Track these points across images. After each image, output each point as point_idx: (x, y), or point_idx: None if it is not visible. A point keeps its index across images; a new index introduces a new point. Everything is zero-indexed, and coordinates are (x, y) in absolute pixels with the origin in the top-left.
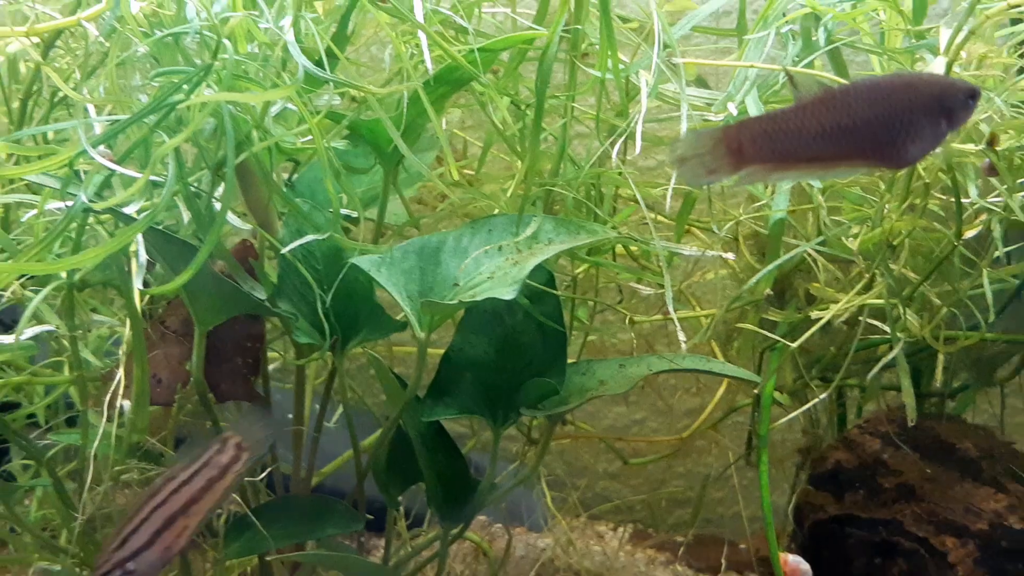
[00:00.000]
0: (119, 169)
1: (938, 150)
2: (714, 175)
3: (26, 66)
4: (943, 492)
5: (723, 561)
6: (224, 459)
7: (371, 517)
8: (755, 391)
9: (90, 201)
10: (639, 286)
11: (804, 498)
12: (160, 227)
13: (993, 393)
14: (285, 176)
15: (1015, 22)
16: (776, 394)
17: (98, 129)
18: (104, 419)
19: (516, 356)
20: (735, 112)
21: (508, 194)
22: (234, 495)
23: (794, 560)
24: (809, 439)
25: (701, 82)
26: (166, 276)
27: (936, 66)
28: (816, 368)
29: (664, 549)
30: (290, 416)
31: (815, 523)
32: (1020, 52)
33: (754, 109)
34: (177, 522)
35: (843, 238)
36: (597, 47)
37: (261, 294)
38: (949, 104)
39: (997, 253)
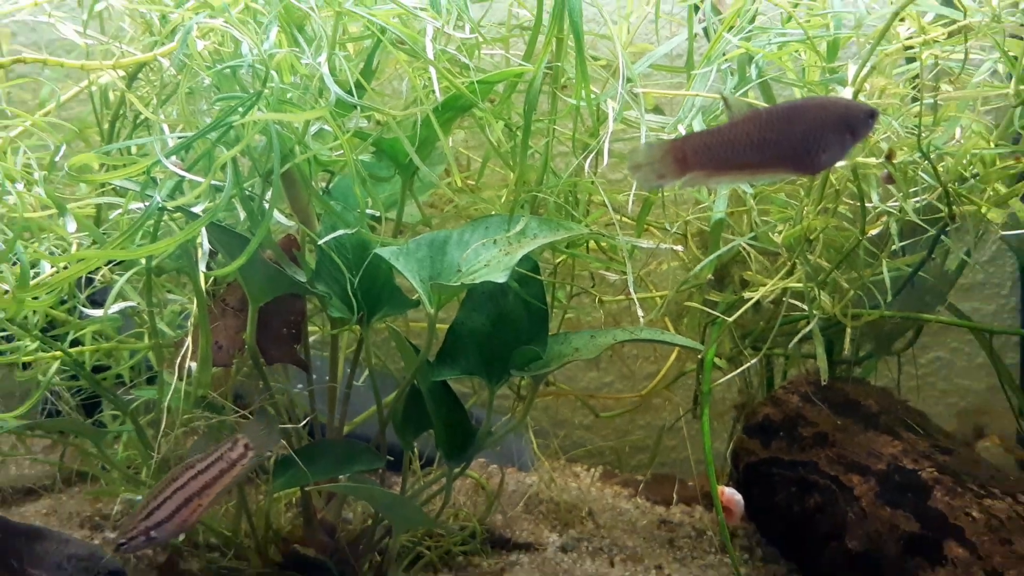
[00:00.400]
0: (187, 176)
1: (844, 161)
2: (663, 180)
3: (114, 94)
4: (850, 439)
5: (675, 495)
6: (234, 455)
7: (391, 459)
8: (699, 357)
9: (164, 201)
10: (607, 273)
11: (739, 445)
12: (220, 223)
13: (892, 361)
14: (323, 184)
15: (910, 60)
16: (716, 360)
17: (171, 144)
18: (176, 378)
19: (507, 329)
20: (682, 130)
21: (502, 199)
22: (282, 440)
23: (729, 492)
24: (744, 397)
25: (658, 109)
26: (225, 262)
27: (845, 95)
28: (748, 339)
29: (627, 486)
30: (327, 377)
31: (748, 465)
32: (913, 84)
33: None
34: (192, 502)
35: (770, 234)
36: (574, 80)
37: (302, 277)
38: (853, 122)
39: (894, 247)
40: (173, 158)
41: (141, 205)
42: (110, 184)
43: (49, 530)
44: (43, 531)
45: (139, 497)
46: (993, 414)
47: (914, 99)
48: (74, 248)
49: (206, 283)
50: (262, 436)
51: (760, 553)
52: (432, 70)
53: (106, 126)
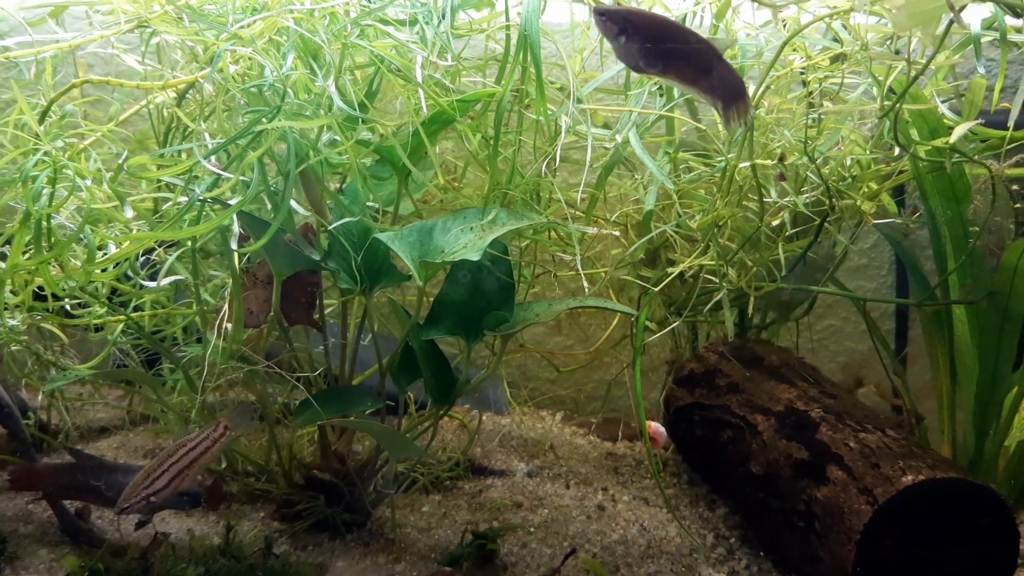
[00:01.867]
0: (222, 173)
1: (747, 163)
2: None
3: (167, 111)
4: (756, 387)
5: (620, 434)
6: (216, 435)
7: (391, 403)
8: (634, 320)
9: (203, 194)
10: (562, 255)
11: (670, 393)
12: (249, 212)
13: (793, 327)
14: (338, 184)
15: (804, 83)
16: (648, 323)
17: (197, 151)
18: (215, 337)
19: (482, 298)
20: (620, 141)
21: (480, 196)
22: (300, 387)
23: (655, 425)
24: (673, 355)
25: (607, 126)
26: (249, 244)
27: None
28: (674, 307)
29: (583, 427)
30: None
31: (676, 408)
32: (809, 102)
33: (636, 144)
34: (183, 472)
35: (689, 222)
36: (535, 100)
37: (317, 256)
38: None
39: (788, 232)
40: (212, 159)
41: (187, 198)
42: (161, 180)
43: (127, 463)
44: (121, 464)
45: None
46: (871, 368)
47: (805, 114)
48: (134, 232)
49: (239, 261)
50: (239, 419)
51: (686, 478)
52: (421, 92)
53: (161, 136)
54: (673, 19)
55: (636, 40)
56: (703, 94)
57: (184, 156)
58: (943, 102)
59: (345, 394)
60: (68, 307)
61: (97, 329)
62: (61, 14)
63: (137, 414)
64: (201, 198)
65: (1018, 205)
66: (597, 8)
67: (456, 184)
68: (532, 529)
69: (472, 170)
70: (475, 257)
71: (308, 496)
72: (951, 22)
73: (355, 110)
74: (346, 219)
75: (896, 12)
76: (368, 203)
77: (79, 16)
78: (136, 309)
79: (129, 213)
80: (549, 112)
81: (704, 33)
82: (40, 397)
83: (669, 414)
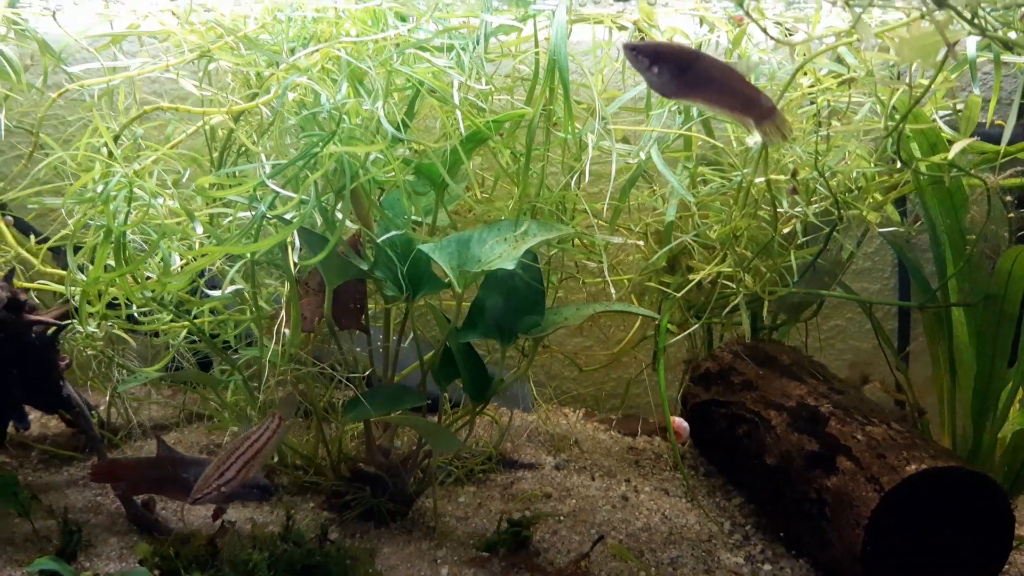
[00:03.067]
0: (282, 192)
1: (762, 178)
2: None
3: (221, 132)
4: (769, 384)
5: (639, 429)
6: (273, 426)
7: (429, 401)
8: (655, 324)
9: (267, 211)
10: (588, 262)
11: (687, 390)
12: (305, 227)
13: (802, 328)
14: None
15: (811, 102)
16: (669, 326)
17: (267, 169)
18: (273, 341)
19: (515, 303)
20: (643, 157)
21: (510, 208)
22: (351, 386)
23: (678, 420)
24: (690, 355)
25: (626, 140)
26: (307, 256)
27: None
28: (693, 310)
29: (604, 423)
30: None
31: (693, 405)
32: (816, 120)
33: (657, 159)
34: (249, 463)
35: (708, 232)
36: (562, 119)
37: (364, 266)
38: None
39: (799, 241)
40: (272, 178)
41: (247, 214)
42: (221, 199)
43: (198, 457)
44: (193, 458)
45: (244, 429)
46: (876, 366)
47: (814, 131)
48: (196, 246)
49: (295, 270)
50: (287, 409)
51: (703, 470)
52: (458, 112)
53: (215, 156)
54: (697, 48)
55: (666, 70)
56: (735, 115)
57: (245, 176)
58: (942, 118)
59: (390, 392)
60: (136, 314)
61: (155, 335)
62: (120, 42)
63: (192, 412)
64: (264, 214)
65: (1012, 215)
66: (627, 44)
67: (488, 197)
68: (561, 518)
69: (502, 184)
70: (510, 266)
71: (355, 487)
72: (947, 54)
73: (399, 131)
74: (391, 232)
75: (898, 44)
76: (409, 216)
77: (131, 41)
78: (194, 316)
79: (199, 229)
80: (576, 130)
81: (720, 58)
82: (108, 396)
83: (686, 410)
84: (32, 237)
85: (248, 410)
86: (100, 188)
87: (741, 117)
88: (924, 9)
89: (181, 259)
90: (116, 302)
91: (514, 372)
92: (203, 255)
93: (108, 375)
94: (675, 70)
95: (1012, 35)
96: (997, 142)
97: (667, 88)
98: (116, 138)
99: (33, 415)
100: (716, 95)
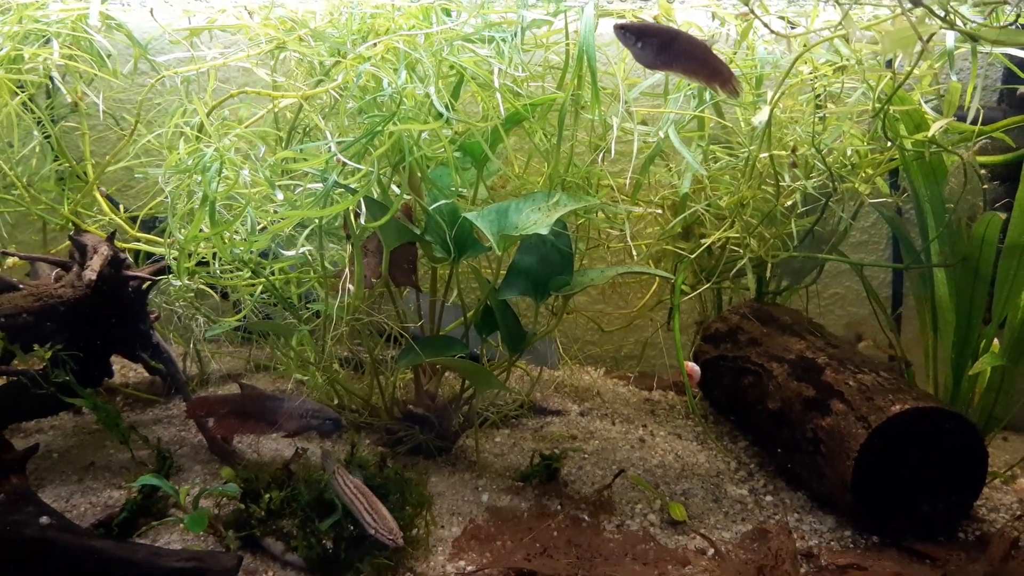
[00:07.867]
0: (351, 164)
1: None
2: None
3: (289, 114)
4: (771, 340)
5: (654, 384)
6: (343, 473)
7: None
8: (671, 284)
9: (338, 180)
10: (611, 230)
11: (698, 348)
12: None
13: (803, 295)
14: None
15: (812, 88)
16: (683, 286)
17: (332, 147)
18: (339, 295)
19: (547, 264)
20: (661, 136)
21: (541, 182)
22: (403, 334)
23: (692, 364)
24: (701, 317)
25: (645, 122)
26: (369, 220)
27: (764, 112)
28: (704, 273)
29: (622, 379)
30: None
31: (704, 361)
32: (818, 104)
33: (675, 138)
34: (372, 500)
35: (718, 202)
36: (589, 102)
37: (417, 231)
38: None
39: (799, 210)
40: (340, 153)
41: (315, 185)
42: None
43: (276, 394)
44: (281, 396)
45: (306, 377)
46: (871, 328)
47: (816, 112)
48: (272, 213)
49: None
50: (331, 463)
51: (712, 419)
52: (498, 95)
53: (285, 135)
54: (677, 28)
55: (649, 45)
56: (702, 80)
57: (315, 152)
58: (927, 102)
59: (439, 342)
60: (219, 271)
61: (224, 293)
62: (200, 34)
63: (258, 364)
64: (336, 183)
65: (986, 186)
66: (617, 23)
67: (523, 172)
68: (586, 455)
69: (535, 161)
70: (544, 231)
71: (405, 426)
72: (923, 48)
73: (447, 112)
74: (440, 202)
75: (882, 37)
76: (455, 188)
77: (202, 35)
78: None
79: (280, 196)
80: (601, 113)
81: (729, 48)
82: (190, 346)
83: (699, 366)
84: (121, 208)
85: (311, 356)
86: (191, 161)
87: (708, 82)
88: (902, 7)
89: (260, 223)
90: (204, 260)
91: (545, 329)
92: (282, 219)
93: (189, 328)
94: (657, 46)
95: (974, 24)
96: (975, 122)
97: (650, 60)
98: (208, 115)
99: (116, 365)
100: (690, 66)
